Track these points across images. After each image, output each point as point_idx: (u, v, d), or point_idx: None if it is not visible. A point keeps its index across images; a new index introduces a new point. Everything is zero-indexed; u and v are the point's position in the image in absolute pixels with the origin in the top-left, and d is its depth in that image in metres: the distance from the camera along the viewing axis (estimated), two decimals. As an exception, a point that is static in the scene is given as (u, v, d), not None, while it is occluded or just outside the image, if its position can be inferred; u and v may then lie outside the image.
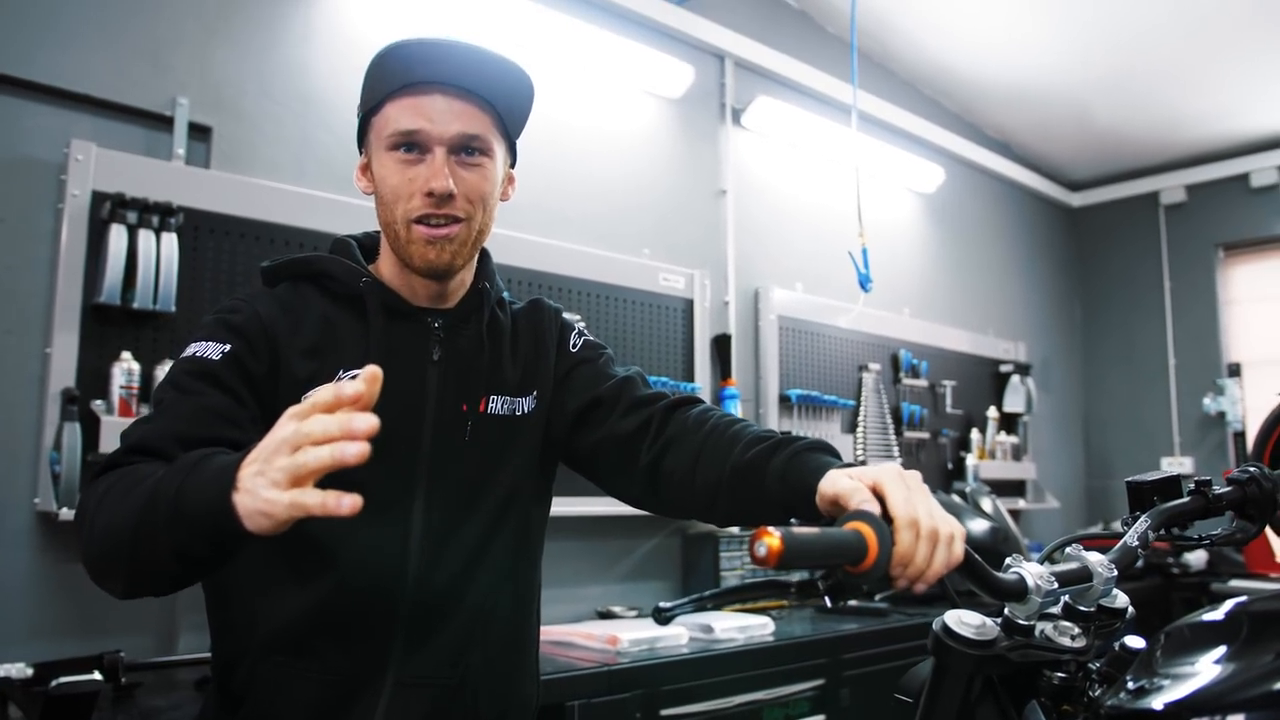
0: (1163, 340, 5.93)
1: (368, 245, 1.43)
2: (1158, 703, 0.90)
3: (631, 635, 2.64)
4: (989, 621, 1.00)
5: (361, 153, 1.38)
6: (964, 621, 0.99)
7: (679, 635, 2.75)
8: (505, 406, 1.36)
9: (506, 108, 1.32)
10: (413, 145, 1.26)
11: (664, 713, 2.48)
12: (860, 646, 3.03)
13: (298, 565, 1.23)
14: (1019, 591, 0.99)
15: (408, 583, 1.24)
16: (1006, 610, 1.02)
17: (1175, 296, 5.93)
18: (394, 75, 1.26)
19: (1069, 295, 6.29)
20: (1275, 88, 4.98)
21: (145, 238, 2.34)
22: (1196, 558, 4.76)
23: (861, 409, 4.33)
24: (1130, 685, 0.94)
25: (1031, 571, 1.00)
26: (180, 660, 2.29)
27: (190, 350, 1.21)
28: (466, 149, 1.28)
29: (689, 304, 3.68)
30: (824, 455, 1.13)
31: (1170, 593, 4.69)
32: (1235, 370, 5.63)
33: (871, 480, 0.98)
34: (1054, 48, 4.70)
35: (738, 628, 2.85)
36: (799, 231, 4.32)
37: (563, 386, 1.42)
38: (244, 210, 2.55)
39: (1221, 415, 5.61)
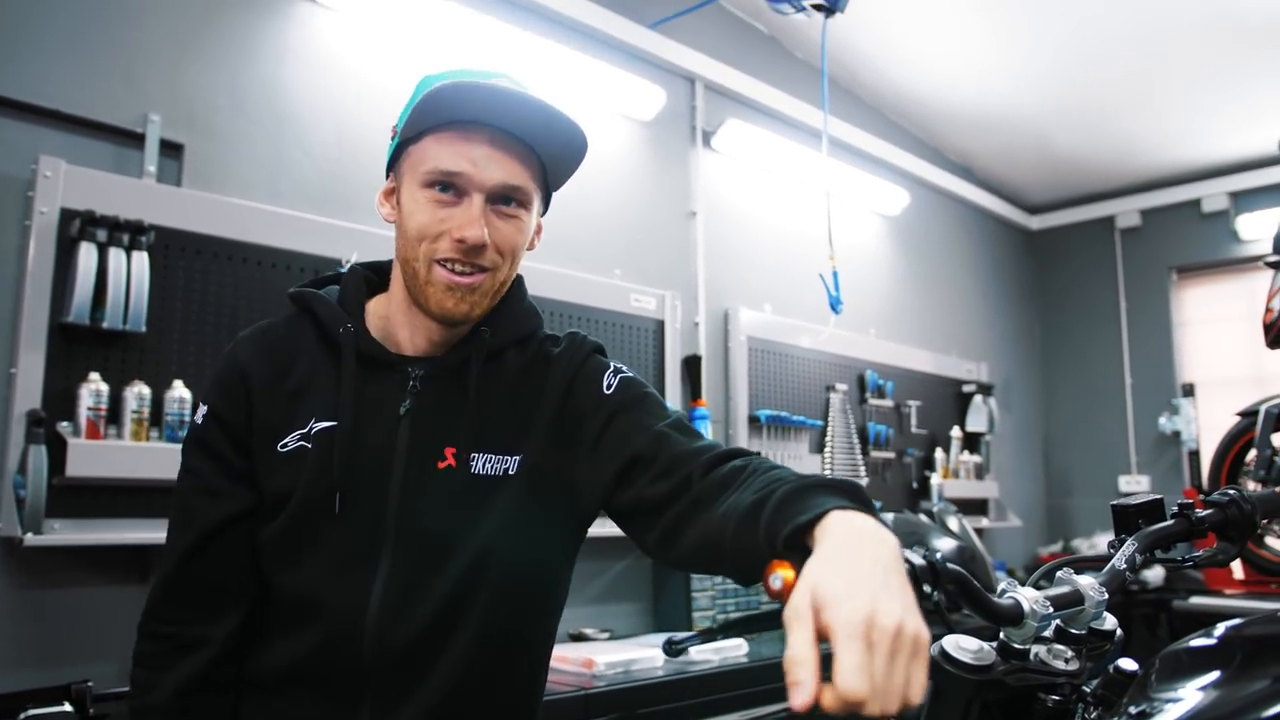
0: (1119, 361, 6.04)
1: (387, 273, 1.36)
2: (1156, 726, 0.91)
3: (607, 658, 2.63)
4: (986, 646, 1.02)
5: (389, 177, 1.31)
6: (962, 647, 1.00)
7: (654, 658, 2.74)
8: (489, 464, 1.26)
9: (552, 159, 1.27)
10: (449, 186, 1.20)
11: (640, 736, 2.48)
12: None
13: (276, 617, 1.25)
14: (1016, 616, 1.00)
15: (368, 643, 1.19)
16: (1002, 634, 1.03)
17: (1131, 318, 6.05)
18: (442, 108, 1.19)
19: (1029, 316, 6.40)
20: (1225, 117, 5.12)
21: (115, 256, 2.30)
22: (1154, 575, 4.84)
23: (829, 429, 4.37)
24: (1130, 710, 0.96)
25: (1026, 596, 1.01)
26: (149, 687, 2.25)
27: (197, 412, 1.30)
28: (505, 199, 1.22)
29: (660, 325, 3.69)
30: (806, 506, 0.95)
31: (1129, 609, 4.76)
32: (1189, 390, 5.75)
33: (817, 598, 0.79)
34: (1015, 75, 4.80)
35: (712, 649, 2.85)
36: (767, 253, 4.35)
37: (597, 446, 1.26)
38: (217, 229, 2.53)
39: (1176, 434, 5.73)
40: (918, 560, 0.93)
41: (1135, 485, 5.81)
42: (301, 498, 1.22)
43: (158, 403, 2.36)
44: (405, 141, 1.25)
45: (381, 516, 1.23)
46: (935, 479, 4.85)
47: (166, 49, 2.59)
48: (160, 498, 2.34)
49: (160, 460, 2.31)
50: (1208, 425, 5.60)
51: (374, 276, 1.37)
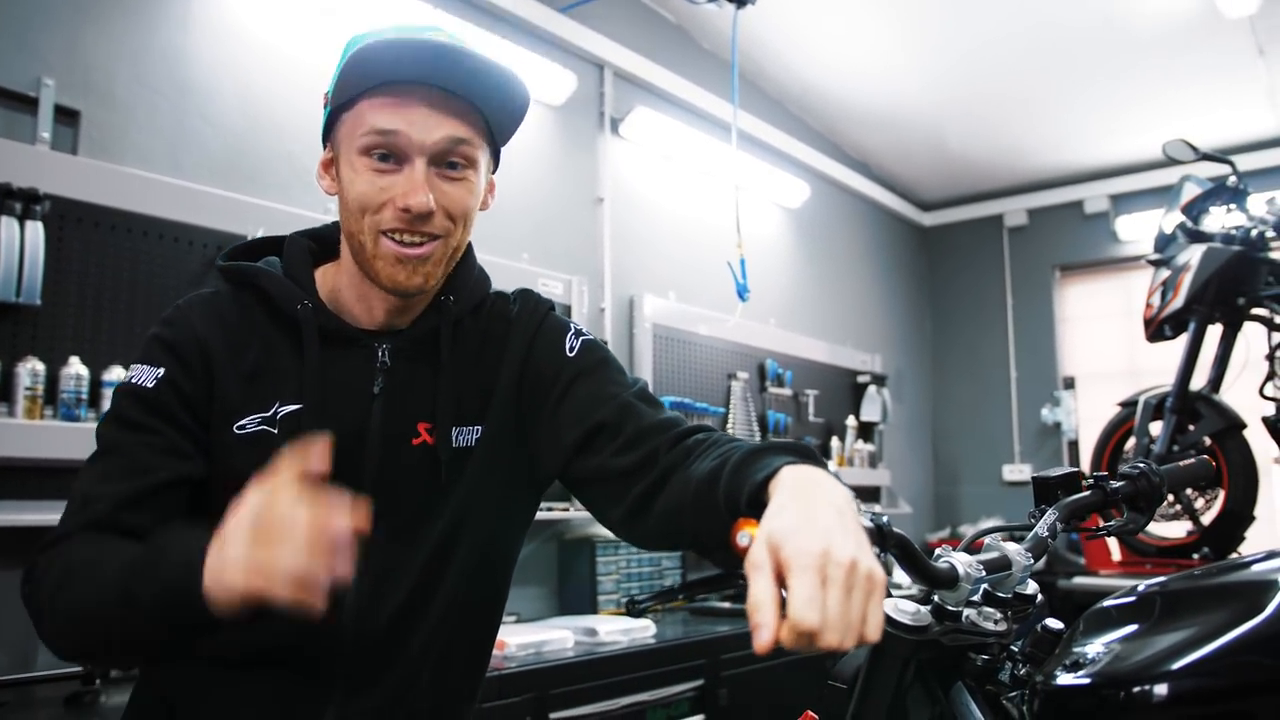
0: (1005, 354, 6.28)
1: (329, 241, 1.28)
2: (1086, 676, 0.97)
3: (518, 640, 2.63)
4: (922, 609, 1.06)
5: (325, 147, 1.23)
6: (900, 609, 1.04)
7: (564, 639, 2.75)
8: (461, 437, 1.23)
9: (496, 114, 1.20)
10: (389, 152, 1.13)
11: (553, 716, 2.48)
12: (737, 647, 3.10)
13: None
14: (951, 579, 1.04)
15: (346, 622, 1.16)
16: (936, 598, 1.07)
17: (1016, 313, 6.30)
18: (373, 70, 1.12)
19: (920, 310, 6.60)
20: (1107, 123, 5.38)
21: (7, 225, 2.19)
22: (1036, 559, 5.05)
23: (730, 416, 4.43)
24: (1062, 662, 1.01)
25: (961, 560, 1.06)
26: (43, 677, 2.16)
27: (130, 375, 1.17)
28: (449, 160, 1.16)
29: (567, 310, 3.69)
30: (758, 466, 0.97)
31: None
32: (1070, 383, 6.03)
33: (772, 542, 0.81)
34: (913, 75, 4.95)
35: (621, 630, 2.87)
36: (673, 241, 4.39)
37: (558, 410, 1.23)
38: (115, 201, 2.42)
39: (1058, 425, 5.99)
40: (865, 522, 0.96)
41: (1019, 474, 6.06)
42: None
43: (52, 380, 2.25)
44: (339, 108, 1.17)
45: (355, 496, 1.18)
46: (831, 466, 4.94)
47: (62, 10, 2.47)
48: (55, 478, 2.24)
49: (55, 439, 2.21)
50: (1087, 416, 5.88)
51: (315, 246, 1.29)
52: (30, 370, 2.21)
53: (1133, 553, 3.93)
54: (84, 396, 2.28)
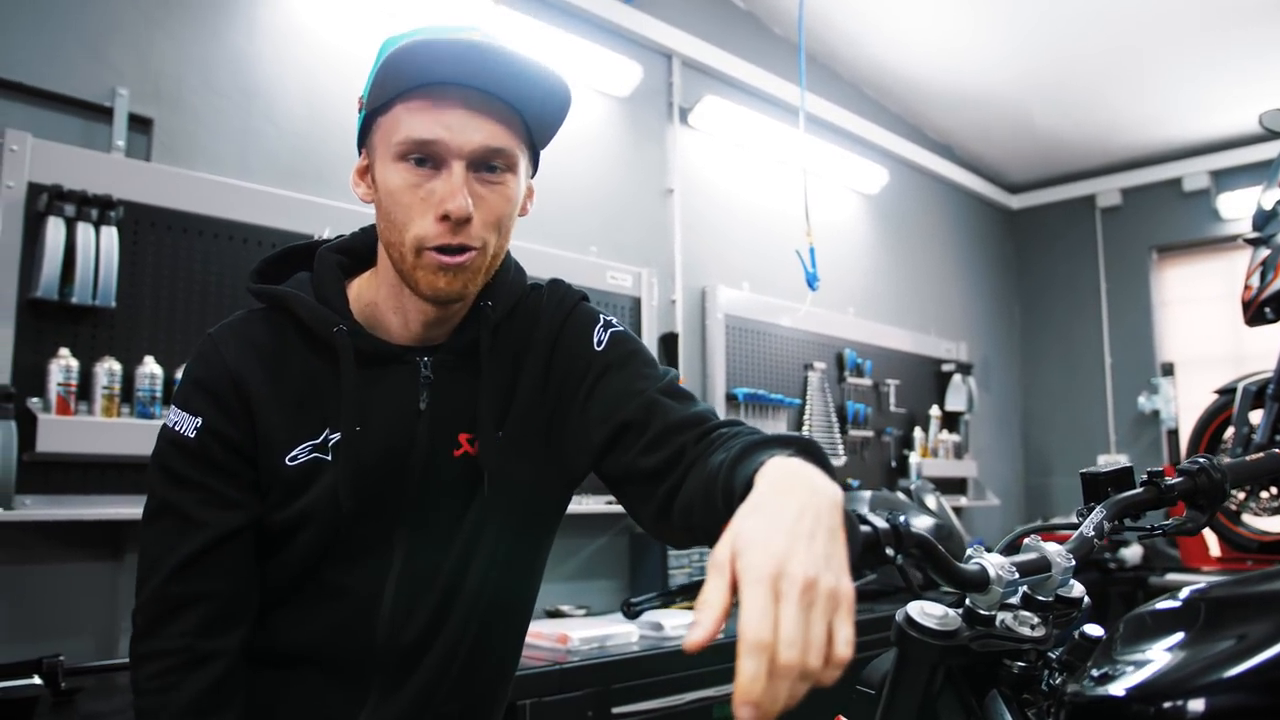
0: (1099, 340, 6.06)
1: (359, 252, 1.27)
2: (1120, 689, 0.91)
3: (581, 634, 2.63)
4: (951, 612, 1.01)
5: (361, 153, 1.21)
6: (927, 612, 1.00)
7: (629, 633, 2.75)
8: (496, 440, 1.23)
9: (535, 115, 1.16)
10: (426, 157, 1.11)
11: (615, 710, 2.48)
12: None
13: (288, 597, 1.19)
14: (981, 582, 1.00)
15: (381, 629, 1.18)
16: (968, 601, 1.03)
17: (1111, 297, 6.06)
18: (408, 72, 1.09)
19: (1008, 296, 6.41)
20: (1206, 95, 5.12)
21: (84, 231, 2.27)
22: (1132, 552, 4.88)
23: (807, 408, 4.37)
24: (1093, 672, 0.96)
25: (992, 562, 1.01)
26: (122, 664, 2.23)
27: (171, 420, 1.16)
28: (488, 165, 1.13)
29: (636, 302, 3.67)
30: (750, 461, 0.94)
31: (1107, 587, 4.79)
32: (1168, 370, 5.78)
33: (734, 547, 0.75)
34: (995, 51, 4.79)
35: (687, 625, 2.85)
36: (745, 231, 4.34)
37: (586, 406, 1.21)
38: (186, 204, 2.49)
39: (1155, 414, 5.76)
40: (880, 523, 0.92)
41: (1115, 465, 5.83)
42: (325, 508, 1.15)
43: (129, 379, 2.33)
44: (374, 113, 1.15)
45: (398, 509, 1.19)
46: (914, 458, 4.86)
47: (134, 22, 2.55)
48: (132, 473, 2.31)
49: (131, 436, 2.28)
50: (1186, 404, 5.63)
51: (346, 259, 1.26)
52: (107, 370, 2.29)
53: (1233, 548, 3.75)
54: (158, 395, 2.35)
